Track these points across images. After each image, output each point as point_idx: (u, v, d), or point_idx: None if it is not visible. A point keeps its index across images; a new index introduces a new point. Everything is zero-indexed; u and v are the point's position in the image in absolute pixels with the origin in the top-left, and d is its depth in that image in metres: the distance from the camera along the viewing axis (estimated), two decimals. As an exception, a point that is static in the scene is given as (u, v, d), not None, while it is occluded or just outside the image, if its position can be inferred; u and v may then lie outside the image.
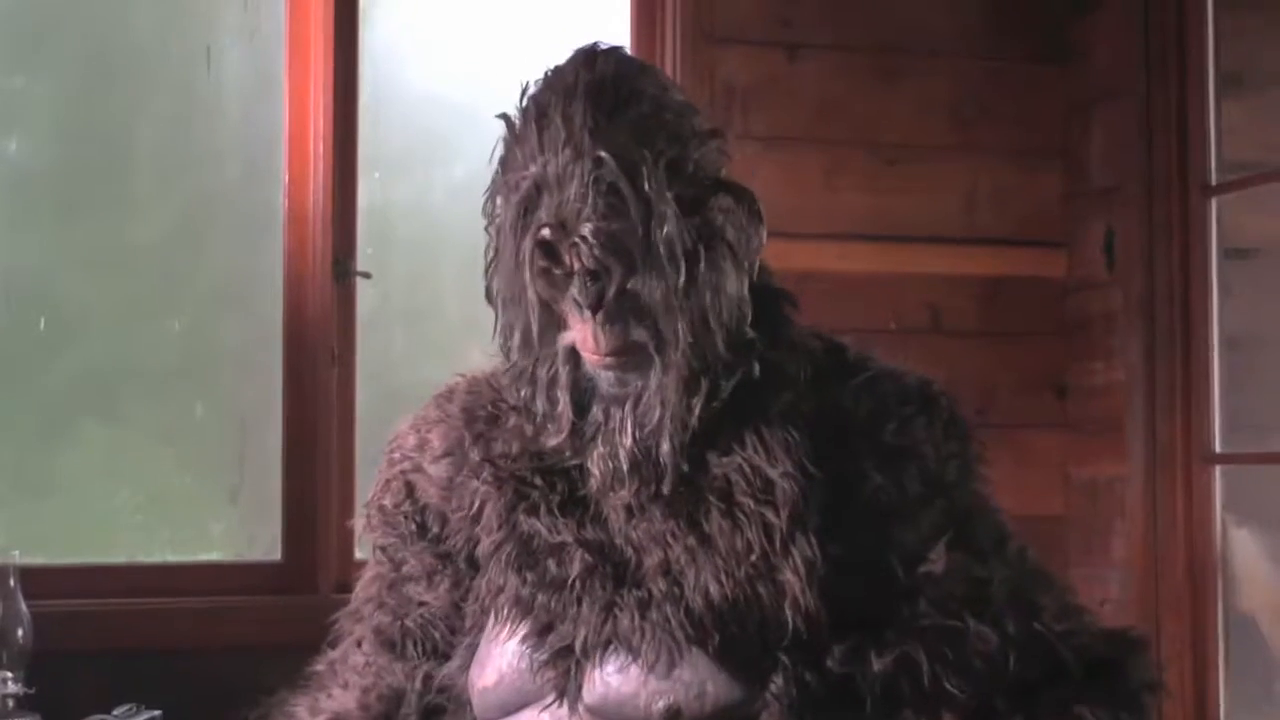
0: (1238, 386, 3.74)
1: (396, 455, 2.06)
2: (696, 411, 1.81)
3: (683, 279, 1.79)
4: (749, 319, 1.85)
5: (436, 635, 2.03)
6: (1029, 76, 3.97)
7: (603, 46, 1.88)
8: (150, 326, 3.59)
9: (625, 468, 1.82)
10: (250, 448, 3.60)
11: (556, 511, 1.86)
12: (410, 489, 2.02)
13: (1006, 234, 3.96)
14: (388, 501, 2.05)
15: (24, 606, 3.10)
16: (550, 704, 1.85)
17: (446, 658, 2.03)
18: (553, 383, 1.86)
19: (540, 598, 1.85)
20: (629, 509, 1.84)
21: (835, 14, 3.84)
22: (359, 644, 2.11)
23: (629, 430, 1.82)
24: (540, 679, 1.85)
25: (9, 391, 3.48)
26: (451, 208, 3.73)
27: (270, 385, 3.58)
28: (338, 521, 3.54)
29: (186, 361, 3.60)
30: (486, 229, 1.90)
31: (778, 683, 1.80)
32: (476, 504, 1.93)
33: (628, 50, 1.92)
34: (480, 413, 1.99)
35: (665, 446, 1.81)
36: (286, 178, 3.60)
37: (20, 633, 3.08)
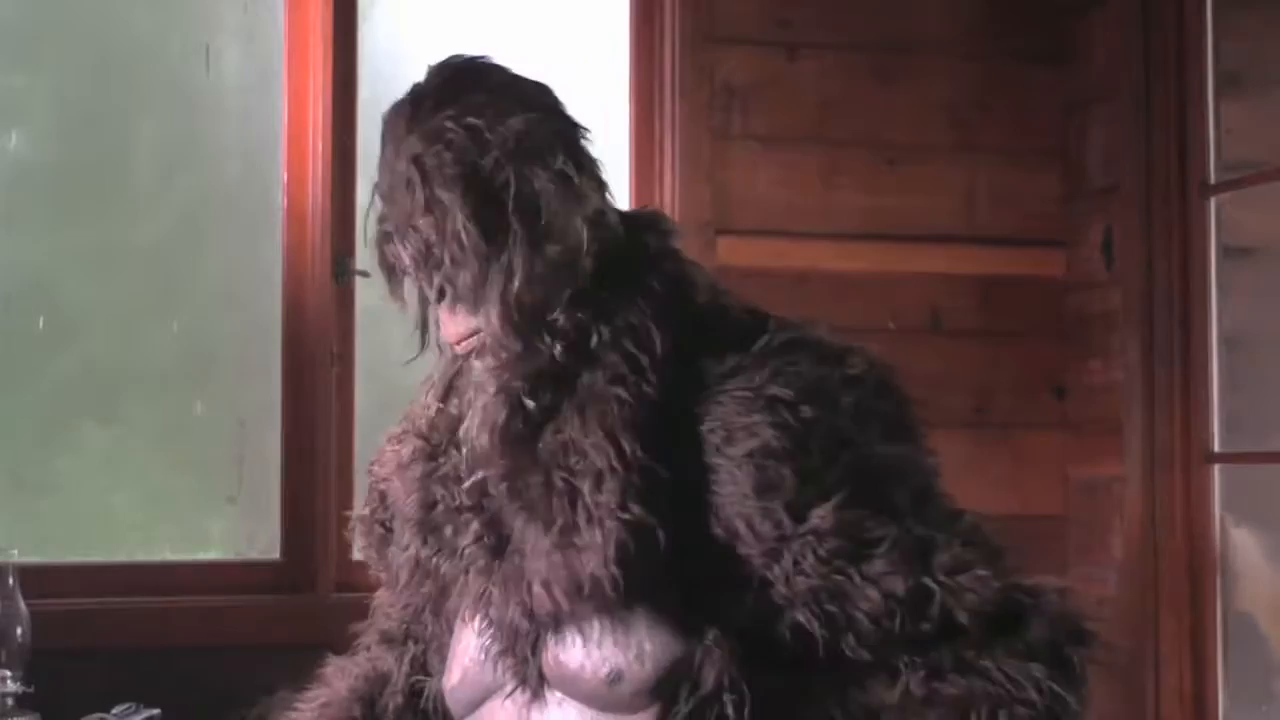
0: (1236, 386, 3.74)
1: (375, 468, 2.14)
2: (508, 393, 1.88)
3: (479, 266, 1.88)
4: (586, 275, 1.89)
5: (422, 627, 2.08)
6: (1028, 76, 3.97)
7: (458, 59, 2.01)
8: (149, 326, 3.59)
9: (480, 446, 1.89)
10: (249, 447, 3.60)
11: (461, 479, 1.94)
12: (383, 497, 2.10)
13: (1005, 234, 3.96)
14: (366, 510, 2.11)
15: (23, 605, 3.10)
16: (511, 690, 1.88)
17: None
18: (432, 373, 2.04)
19: (435, 561, 1.94)
20: (494, 481, 1.90)
21: (835, 14, 3.84)
22: (367, 648, 2.17)
23: (479, 409, 1.90)
24: (499, 667, 1.90)
25: (8, 391, 3.49)
26: (450, 207, 3.73)
27: (269, 384, 3.58)
28: (337, 521, 3.54)
29: (186, 361, 3.60)
30: None
31: (714, 632, 1.83)
32: (400, 467, 2.04)
33: (495, 64, 2.05)
34: (425, 424, 2.07)
35: (485, 429, 1.88)
36: (286, 177, 3.60)
37: (19, 631, 3.08)
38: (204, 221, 3.65)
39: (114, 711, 3.09)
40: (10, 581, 3.11)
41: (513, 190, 1.88)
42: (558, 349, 1.88)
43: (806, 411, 1.88)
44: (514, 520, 1.88)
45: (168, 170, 3.63)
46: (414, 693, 2.09)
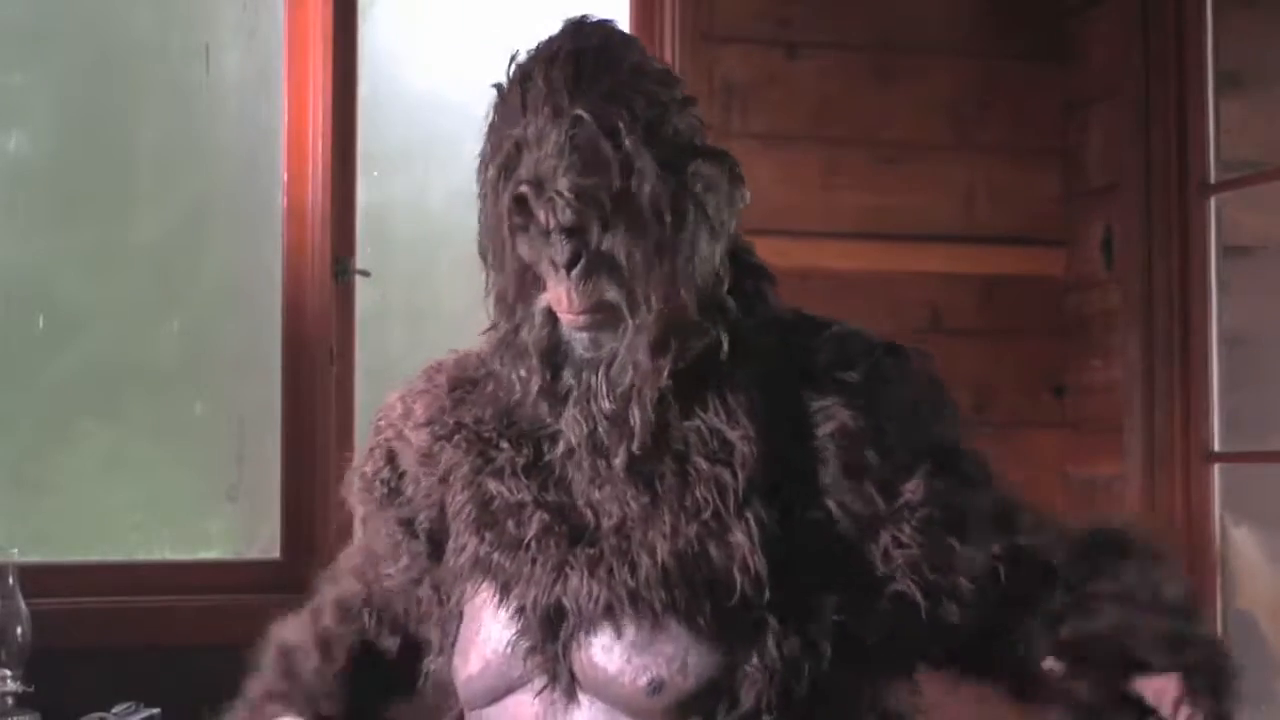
0: (1237, 385, 3.74)
1: (382, 423, 2.08)
2: (665, 373, 1.81)
3: (657, 239, 1.80)
4: (724, 285, 1.86)
5: (396, 610, 2.06)
6: (1028, 75, 3.97)
7: (591, 18, 1.94)
8: (149, 325, 3.59)
9: (602, 431, 1.82)
10: (249, 446, 3.60)
11: (520, 474, 1.87)
12: (391, 456, 2.04)
13: (1005, 232, 3.96)
14: (369, 469, 2.06)
15: (23, 604, 3.10)
16: (541, 688, 1.86)
17: (396, 634, 2.08)
18: (527, 345, 1.86)
19: (496, 557, 1.86)
20: (593, 472, 1.84)
21: (834, 12, 3.84)
22: (318, 610, 2.16)
23: (604, 393, 1.82)
24: (529, 663, 1.86)
25: (8, 390, 3.49)
26: (450, 206, 3.73)
27: (269, 383, 3.58)
28: (337, 520, 3.55)
29: (186, 360, 3.60)
30: (479, 195, 1.91)
31: (758, 653, 1.80)
32: (446, 467, 1.94)
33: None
34: (463, 381, 2.00)
35: (635, 410, 1.81)
36: (285, 176, 3.60)
37: (19, 630, 3.08)
38: (204, 221, 3.65)
39: (114, 711, 3.09)
40: (10, 580, 3.11)
41: (692, 168, 1.85)
42: (723, 333, 1.84)
43: (876, 391, 1.88)
44: (611, 506, 1.83)
45: (168, 169, 3.63)
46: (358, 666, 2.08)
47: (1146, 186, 3.75)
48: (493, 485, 1.88)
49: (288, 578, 3.53)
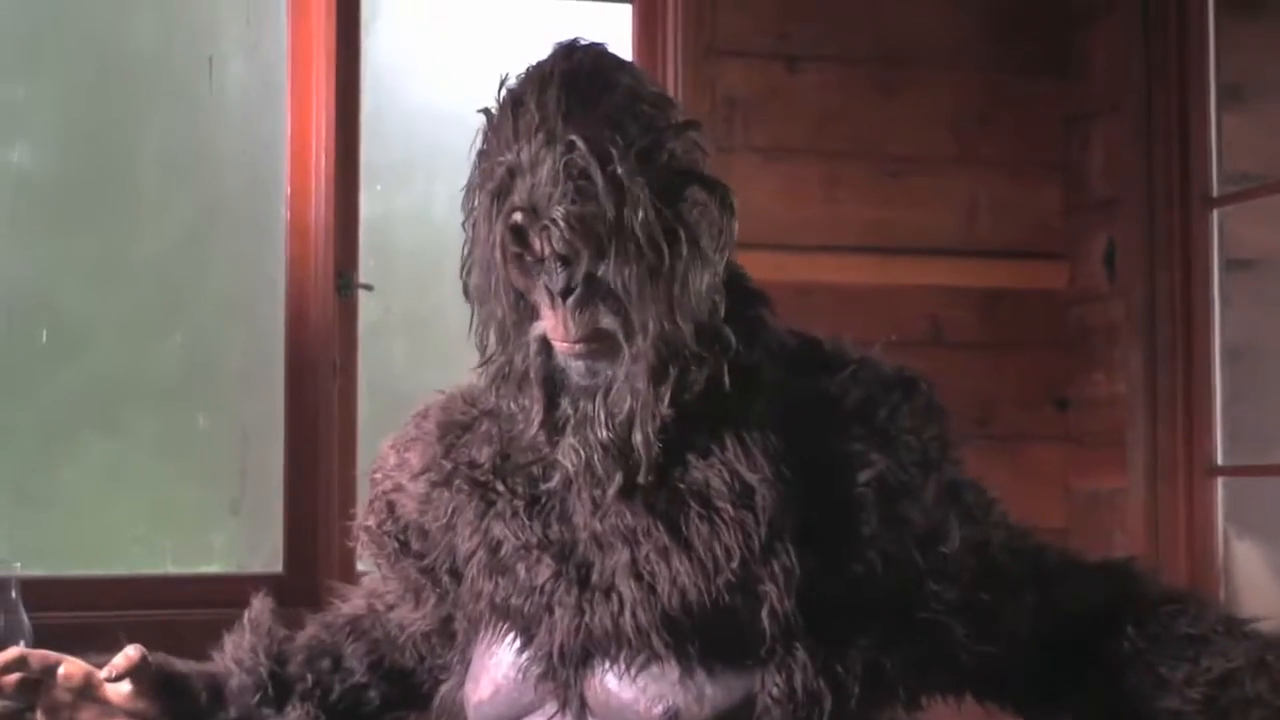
0: (1239, 398, 3.74)
1: (379, 476, 2.06)
2: (666, 401, 1.77)
3: (651, 266, 1.77)
4: (721, 312, 1.82)
5: (422, 651, 2.06)
6: (1029, 88, 3.97)
7: (581, 41, 1.88)
8: (152, 338, 3.60)
9: (598, 459, 1.78)
10: (252, 459, 3.60)
11: (523, 515, 1.84)
12: (391, 508, 2.01)
13: (1007, 246, 3.96)
14: (372, 522, 2.05)
15: (26, 618, 3.10)
16: (553, 714, 1.85)
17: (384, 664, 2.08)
18: (525, 375, 1.84)
19: (514, 602, 1.84)
20: (594, 504, 1.80)
21: (835, 26, 3.85)
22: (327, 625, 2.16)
23: (601, 421, 1.79)
24: (540, 689, 1.84)
25: (11, 403, 3.49)
26: (453, 219, 3.70)
27: (272, 397, 3.58)
28: (339, 533, 3.55)
29: (188, 373, 3.60)
30: (463, 225, 1.92)
31: (780, 686, 1.78)
32: (449, 513, 1.92)
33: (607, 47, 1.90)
34: (453, 425, 1.98)
35: (638, 436, 1.77)
36: (288, 189, 3.61)
37: (22, 644, 3.08)
38: (207, 234, 3.65)
39: (116, 724, 3.09)
40: (13, 594, 3.10)
41: (687, 194, 1.81)
42: (724, 362, 1.80)
43: (902, 437, 1.87)
44: (616, 539, 1.80)
45: (171, 182, 3.64)
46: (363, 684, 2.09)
47: (1149, 200, 3.75)
48: (498, 529, 1.85)
49: (290, 591, 3.53)
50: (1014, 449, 3.85)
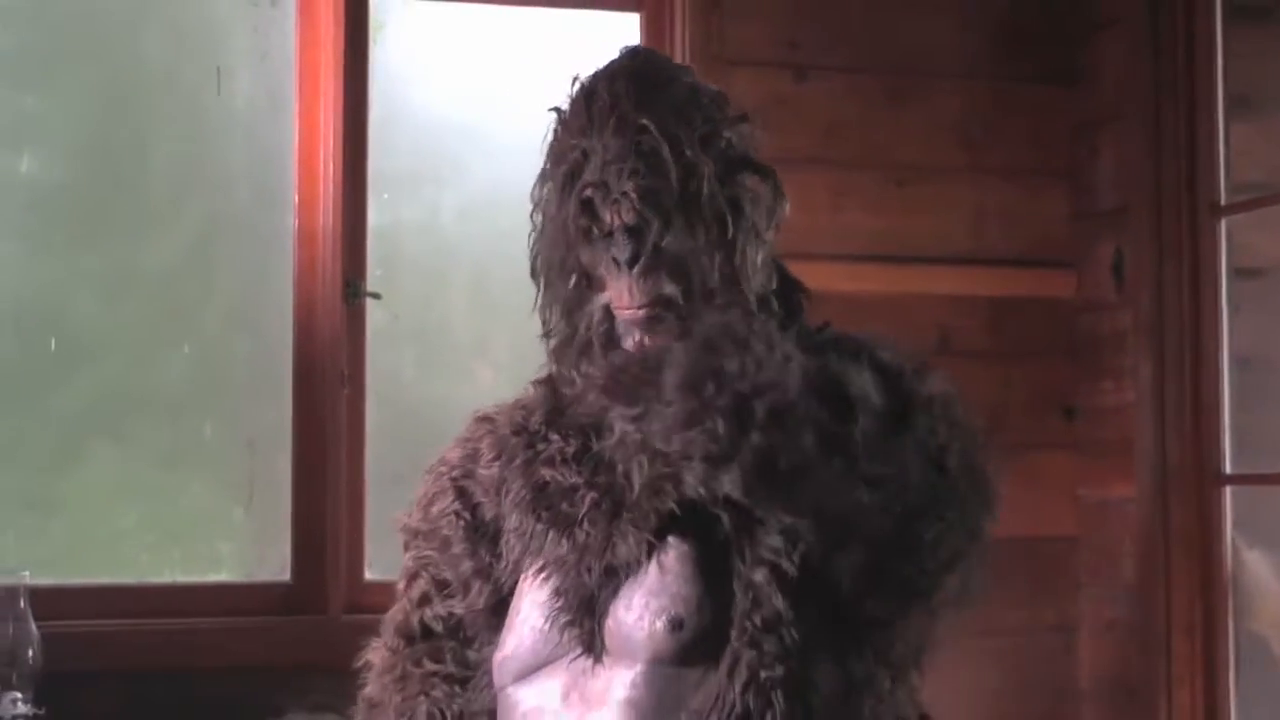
0: (1247, 406, 3.74)
1: (443, 469, 2.11)
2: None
3: (713, 238, 1.95)
4: (772, 286, 2.00)
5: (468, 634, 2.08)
6: (1037, 97, 3.98)
7: (644, 47, 2.13)
8: (160, 347, 3.60)
9: (666, 410, 1.87)
10: (260, 468, 3.60)
11: (571, 461, 1.93)
12: (461, 492, 2.09)
13: (1015, 255, 3.96)
14: (436, 509, 2.09)
15: (34, 627, 3.10)
16: (575, 658, 1.89)
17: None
18: (588, 342, 2.00)
19: (551, 534, 1.92)
20: (639, 454, 1.89)
21: (843, 36, 3.85)
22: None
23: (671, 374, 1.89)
24: (566, 636, 1.90)
25: (20, 412, 3.49)
26: (460, 228, 3.74)
27: (280, 406, 3.58)
28: (347, 542, 3.55)
29: (196, 382, 3.61)
30: (532, 215, 2.11)
31: (763, 571, 1.84)
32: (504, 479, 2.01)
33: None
34: (520, 420, 2.04)
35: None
36: (296, 199, 3.61)
37: (30, 653, 3.08)
38: (215, 243, 3.65)
39: (124, 733, 3.10)
40: (21, 603, 3.11)
41: (741, 179, 2.00)
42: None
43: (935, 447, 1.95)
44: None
45: (179, 192, 3.64)
46: None
47: (1157, 209, 3.75)
48: (546, 472, 1.94)
49: (298, 600, 3.54)
50: (1022, 458, 3.84)
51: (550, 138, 2.06)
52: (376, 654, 2.19)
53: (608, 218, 1.95)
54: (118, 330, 3.59)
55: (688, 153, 1.95)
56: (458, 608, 2.08)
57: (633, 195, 1.93)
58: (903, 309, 3.82)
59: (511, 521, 1.97)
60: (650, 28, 3.80)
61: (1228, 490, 3.69)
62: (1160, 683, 3.66)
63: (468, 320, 3.77)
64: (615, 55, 2.07)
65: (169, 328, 3.60)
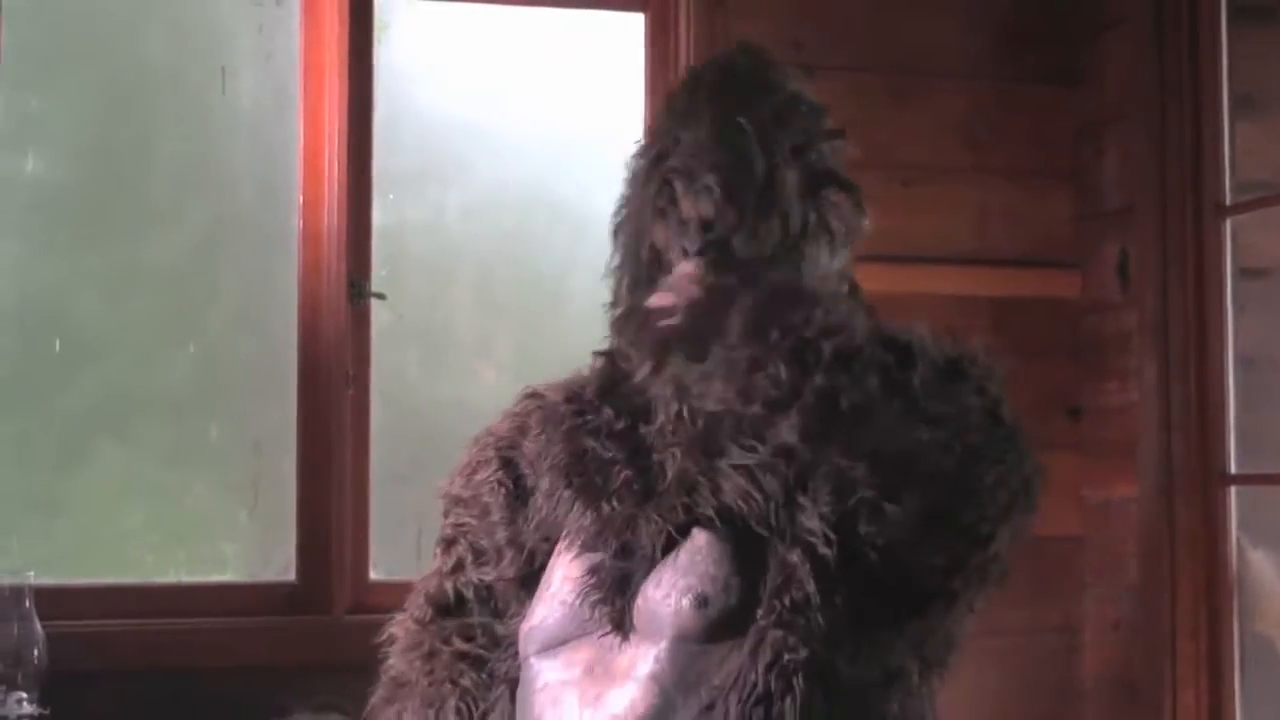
0: (1252, 407, 3.73)
1: (489, 439, 2.13)
2: None
3: (784, 243, 2.00)
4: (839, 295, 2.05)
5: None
6: (1042, 97, 3.97)
7: (757, 45, 2.16)
8: (165, 348, 3.60)
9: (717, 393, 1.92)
10: (265, 468, 3.60)
11: (615, 437, 1.96)
12: (505, 462, 2.10)
13: (1019, 255, 3.95)
14: (478, 477, 2.10)
15: (39, 626, 3.10)
16: (603, 635, 1.90)
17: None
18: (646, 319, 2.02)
19: (578, 504, 1.95)
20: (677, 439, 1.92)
21: (848, 36, 3.85)
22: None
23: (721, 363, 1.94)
24: (597, 613, 1.92)
25: (24, 412, 3.49)
26: (465, 228, 3.74)
27: (285, 406, 3.59)
28: (352, 542, 3.55)
29: (201, 382, 3.61)
30: (627, 181, 2.13)
31: (797, 551, 1.84)
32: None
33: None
34: (575, 389, 2.08)
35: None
36: (301, 199, 3.61)
37: (35, 653, 3.08)
38: (220, 243, 3.66)
39: (129, 733, 3.10)
40: (26, 603, 3.11)
41: (825, 192, 2.07)
42: None
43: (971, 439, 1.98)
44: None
45: (183, 192, 3.64)
46: None
47: (1162, 209, 3.75)
48: (588, 442, 1.97)
49: (303, 600, 3.54)
50: (1027, 458, 3.83)
51: (658, 119, 2.12)
52: (401, 626, 2.18)
53: (686, 206, 1.99)
54: (122, 330, 3.59)
55: (776, 158, 2.00)
56: (490, 575, 2.09)
57: (715, 188, 1.97)
58: (906, 309, 3.78)
59: (544, 483, 1.99)
60: (655, 28, 3.80)
61: (1232, 490, 3.69)
62: (1165, 683, 3.66)
63: (472, 320, 3.77)
64: (732, 49, 2.14)
65: (173, 328, 3.61)
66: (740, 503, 1.85)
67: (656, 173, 2.02)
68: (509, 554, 2.08)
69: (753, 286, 1.96)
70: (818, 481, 1.84)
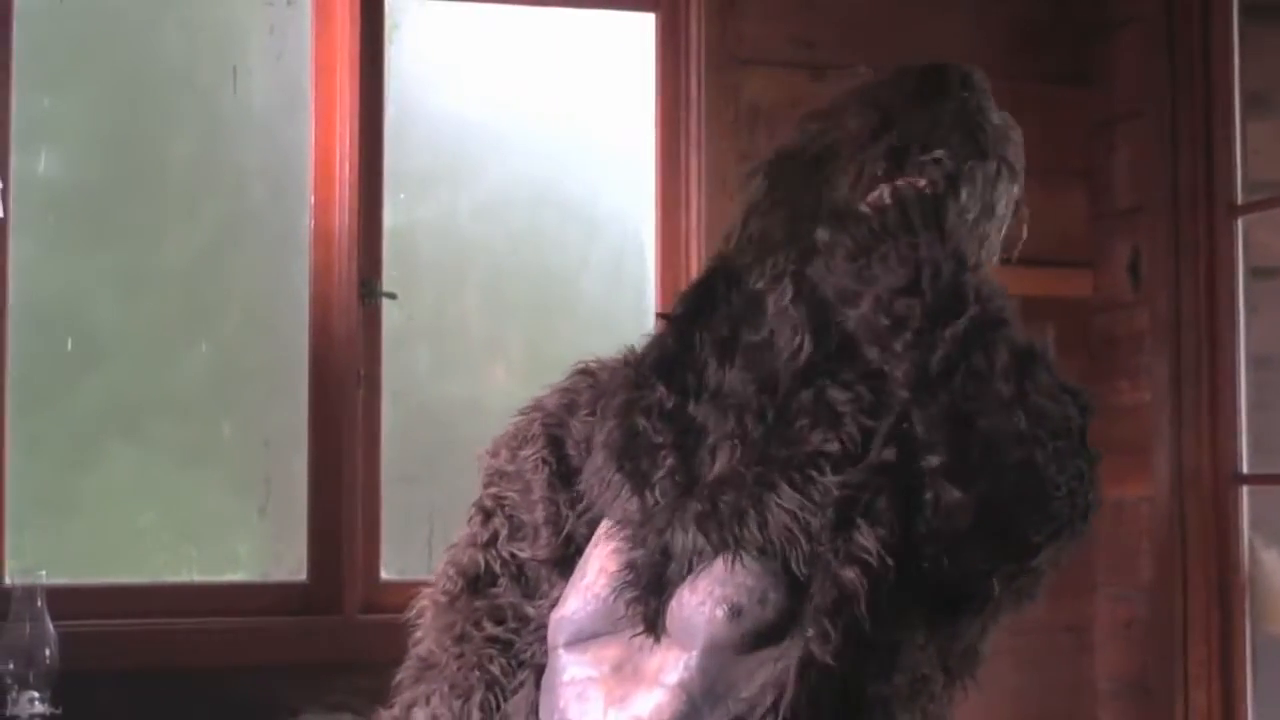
0: (1264, 406, 3.73)
1: (537, 414, 2.11)
2: None
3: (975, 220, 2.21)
4: None
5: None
6: (1053, 97, 3.97)
7: (959, 65, 2.27)
8: (177, 347, 3.61)
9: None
10: (276, 468, 3.61)
11: (666, 417, 1.94)
12: (553, 440, 2.08)
13: (1031, 254, 3.92)
14: (524, 452, 2.09)
15: (51, 626, 3.11)
16: (635, 634, 1.89)
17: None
18: None
19: (626, 489, 1.93)
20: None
21: (859, 35, 3.84)
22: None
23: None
24: (631, 610, 1.90)
25: (37, 412, 3.50)
26: (476, 228, 3.74)
27: (296, 406, 3.59)
28: (364, 542, 3.55)
29: (213, 382, 3.61)
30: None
31: (833, 608, 1.82)
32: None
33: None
34: (634, 356, 2.06)
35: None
36: (312, 199, 3.62)
37: (47, 652, 3.09)
38: (231, 243, 3.66)
39: (141, 732, 3.10)
40: (38, 602, 3.12)
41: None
42: None
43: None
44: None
45: (195, 191, 3.65)
46: None
47: (1173, 208, 3.74)
48: (641, 421, 1.94)
49: (314, 599, 3.54)
50: (1038, 457, 3.83)
51: (887, 93, 2.18)
52: (431, 600, 2.16)
53: (913, 173, 2.08)
54: (134, 330, 3.60)
55: (991, 166, 2.22)
56: (524, 552, 2.08)
57: (947, 163, 2.11)
58: (919, 308, 3.81)
59: (596, 459, 1.98)
60: (665, 27, 3.80)
61: (1244, 490, 3.68)
62: (1177, 682, 3.66)
63: (483, 320, 3.77)
64: (973, 71, 2.28)
65: (185, 328, 3.61)
66: (785, 543, 1.83)
67: (879, 139, 2.09)
68: (545, 534, 2.07)
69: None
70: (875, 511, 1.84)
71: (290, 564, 3.59)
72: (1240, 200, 3.72)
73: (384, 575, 3.57)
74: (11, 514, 3.41)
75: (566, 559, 2.04)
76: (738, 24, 3.76)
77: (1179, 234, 3.74)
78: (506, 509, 2.11)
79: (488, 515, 2.13)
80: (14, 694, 3.06)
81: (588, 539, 2.02)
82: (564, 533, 2.04)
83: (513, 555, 2.09)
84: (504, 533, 2.11)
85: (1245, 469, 3.69)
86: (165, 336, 3.61)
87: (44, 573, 3.22)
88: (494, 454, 2.14)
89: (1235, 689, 3.65)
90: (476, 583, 2.12)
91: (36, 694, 3.07)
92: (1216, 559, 3.67)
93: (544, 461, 2.07)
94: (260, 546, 3.62)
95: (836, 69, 3.84)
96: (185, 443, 3.60)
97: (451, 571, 2.15)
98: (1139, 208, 3.84)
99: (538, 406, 2.12)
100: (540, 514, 2.06)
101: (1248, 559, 3.69)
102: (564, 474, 2.06)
